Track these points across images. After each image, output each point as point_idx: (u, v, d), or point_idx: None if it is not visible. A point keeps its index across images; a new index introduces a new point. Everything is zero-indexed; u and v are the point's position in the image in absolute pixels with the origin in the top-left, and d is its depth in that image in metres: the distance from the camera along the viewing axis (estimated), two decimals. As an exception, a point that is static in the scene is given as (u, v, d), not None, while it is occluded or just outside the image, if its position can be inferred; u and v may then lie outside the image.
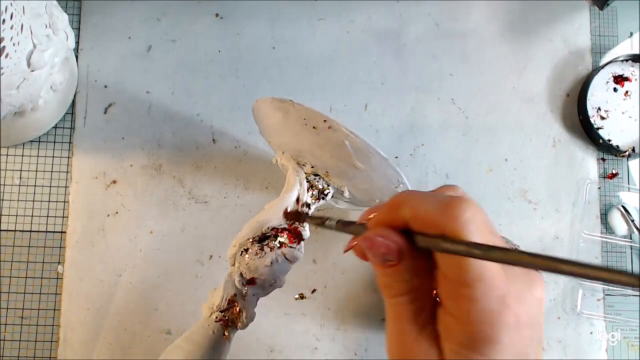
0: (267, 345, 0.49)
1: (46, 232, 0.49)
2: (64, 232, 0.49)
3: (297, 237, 0.37)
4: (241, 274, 0.36)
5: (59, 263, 0.48)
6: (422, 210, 0.21)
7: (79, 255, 0.48)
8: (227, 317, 0.36)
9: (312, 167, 0.38)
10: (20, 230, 0.48)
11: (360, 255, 0.23)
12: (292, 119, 0.35)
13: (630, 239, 0.52)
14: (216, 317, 0.36)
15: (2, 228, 0.48)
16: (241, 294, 0.37)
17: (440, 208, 0.20)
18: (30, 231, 0.49)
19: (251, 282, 0.36)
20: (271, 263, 0.36)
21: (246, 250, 0.36)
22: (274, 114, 0.36)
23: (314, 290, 0.50)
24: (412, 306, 0.21)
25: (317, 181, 0.39)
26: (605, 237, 0.52)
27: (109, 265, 0.49)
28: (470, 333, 0.20)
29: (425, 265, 0.21)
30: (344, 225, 0.28)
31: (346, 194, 0.40)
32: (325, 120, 0.34)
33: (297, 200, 0.38)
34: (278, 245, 0.36)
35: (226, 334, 0.37)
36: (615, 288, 0.51)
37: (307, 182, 0.38)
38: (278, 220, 0.37)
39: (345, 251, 0.25)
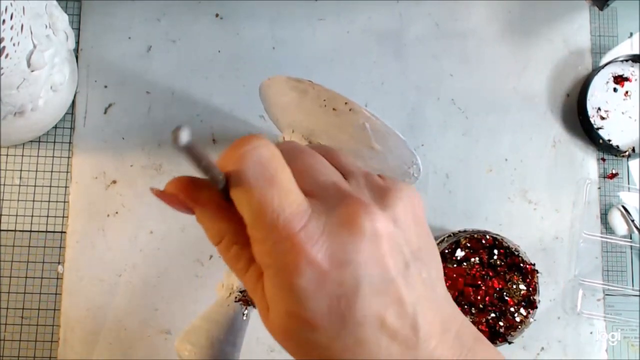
0: (267, 345, 0.49)
1: (46, 232, 0.49)
2: (64, 232, 0.49)
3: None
4: None
5: (59, 263, 0.48)
6: (220, 158, 0.20)
7: (79, 255, 0.48)
8: (246, 297, 0.37)
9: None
10: (20, 230, 0.49)
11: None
12: (310, 99, 0.36)
13: (630, 239, 0.52)
14: (236, 297, 0.37)
15: (2, 228, 0.48)
16: None
17: (227, 151, 0.19)
18: (30, 231, 0.49)
19: None
20: None
21: None
22: (288, 93, 0.36)
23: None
24: (230, 252, 0.21)
25: None
26: (605, 237, 0.52)
27: (109, 265, 0.49)
28: (271, 276, 0.19)
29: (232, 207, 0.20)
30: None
31: None
32: (346, 103, 0.35)
33: None
34: None
35: (245, 312, 0.37)
36: (615, 288, 0.51)
37: None
38: None
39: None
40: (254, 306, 0.37)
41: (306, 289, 0.18)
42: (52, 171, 0.49)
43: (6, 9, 0.33)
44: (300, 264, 0.18)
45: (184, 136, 0.16)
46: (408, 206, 0.21)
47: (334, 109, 0.35)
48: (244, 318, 0.37)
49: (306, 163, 0.21)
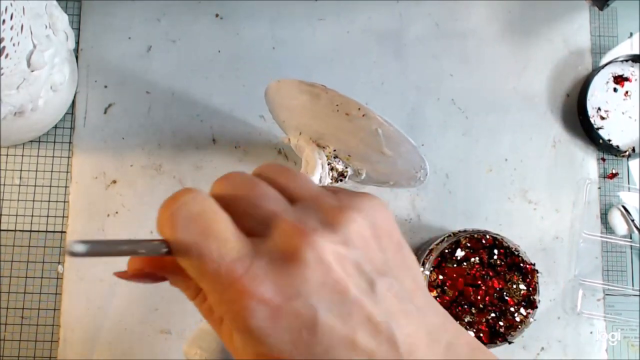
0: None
1: (46, 232, 0.49)
2: (64, 232, 0.49)
3: None
4: None
5: (59, 263, 0.48)
6: (157, 220, 0.20)
7: (79, 255, 0.48)
8: None
9: (334, 150, 0.39)
10: (20, 230, 0.49)
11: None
12: (322, 104, 0.36)
13: (630, 239, 0.52)
14: None
15: (2, 228, 0.48)
16: None
17: (159, 212, 0.20)
18: (30, 231, 0.49)
19: None
20: None
21: None
22: (299, 96, 0.36)
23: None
24: (204, 306, 0.22)
25: (337, 163, 0.39)
26: (605, 237, 0.52)
27: (109, 265, 0.49)
28: (229, 324, 0.19)
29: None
30: None
31: (363, 175, 0.40)
32: (359, 108, 0.35)
33: (319, 182, 0.38)
34: None
35: None
36: (615, 288, 0.51)
37: (327, 164, 0.39)
38: None
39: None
40: None
41: (264, 327, 0.18)
42: (52, 171, 0.49)
43: (6, 9, 0.33)
44: (250, 305, 0.18)
45: (78, 247, 0.17)
46: (364, 223, 0.20)
47: (346, 114, 0.35)
48: None
49: (246, 200, 0.20)
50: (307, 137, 0.40)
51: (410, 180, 0.42)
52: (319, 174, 0.38)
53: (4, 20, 0.33)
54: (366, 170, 0.40)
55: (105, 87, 0.51)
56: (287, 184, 0.22)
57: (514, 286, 0.45)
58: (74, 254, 0.17)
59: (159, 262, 0.20)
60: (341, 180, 0.40)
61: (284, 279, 0.18)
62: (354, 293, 0.19)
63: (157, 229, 0.20)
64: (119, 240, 0.18)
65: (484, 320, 0.45)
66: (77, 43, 0.51)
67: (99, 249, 0.18)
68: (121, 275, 0.21)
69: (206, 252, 0.18)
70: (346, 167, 0.40)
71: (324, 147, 0.39)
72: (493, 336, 0.45)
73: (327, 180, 0.39)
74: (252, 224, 0.20)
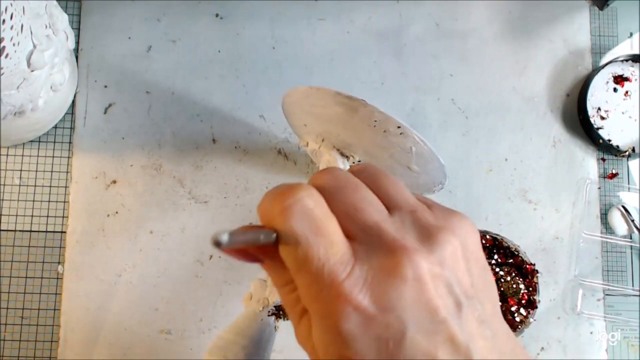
0: (267, 345, 0.49)
1: (46, 232, 0.49)
2: (64, 232, 0.49)
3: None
4: None
5: (59, 263, 0.48)
6: (262, 205, 0.21)
7: (79, 255, 0.48)
8: (280, 311, 0.37)
9: (359, 161, 0.39)
10: (20, 230, 0.49)
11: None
12: (358, 117, 0.36)
13: (630, 239, 0.52)
14: (269, 311, 0.37)
15: (2, 228, 0.48)
16: None
17: (271, 199, 0.20)
18: (30, 231, 0.49)
19: None
20: None
21: None
22: (333, 106, 0.36)
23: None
24: (290, 296, 0.22)
25: None
26: (605, 237, 0.52)
27: (109, 265, 0.49)
28: (319, 322, 0.19)
29: None
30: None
31: None
32: (399, 127, 0.35)
33: None
34: None
35: (277, 324, 0.37)
36: (615, 288, 0.51)
37: None
38: None
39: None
40: (286, 319, 0.37)
41: (354, 332, 0.18)
42: (52, 171, 0.49)
43: (6, 9, 0.33)
44: (346, 310, 0.18)
45: (224, 238, 0.17)
46: (458, 245, 0.20)
47: (384, 131, 0.36)
48: (276, 330, 0.37)
49: (348, 202, 0.21)
50: (329, 144, 0.40)
51: (424, 191, 0.43)
52: None
53: (4, 20, 0.33)
54: None
55: (105, 87, 0.51)
56: (387, 190, 0.22)
57: (514, 286, 0.45)
58: (219, 244, 0.17)
59: (262, 245, 0.21)
60: None
61: (381, 291, 0.19)
62: (443, 313, 0.19)
63: (264, 215, 0.20)
64: (244, 230, 0.19)
65: (484, 320, 0.45)
66: (77, 43, 0.51)
67: (236, 239, 0.18)
68: (227, 250, 0.21)
69: (314, 249, 0.19)
70: None
71: (347, 156, 0.40)
72: (493, 336, 0.45)
73: None
74: (352, 228, 0.20)
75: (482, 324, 0.20)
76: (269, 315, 0.37)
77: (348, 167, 0.39)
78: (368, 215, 0.20)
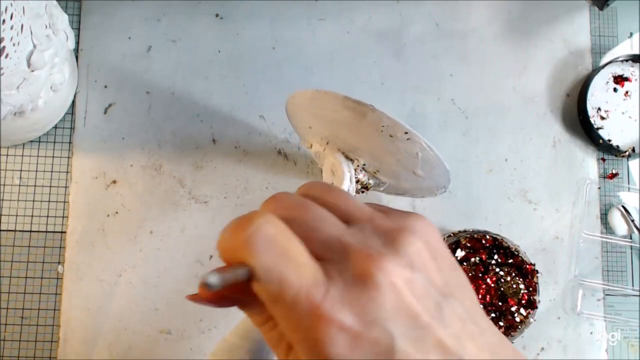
0: (267, 345, 0.49)
1: (46, 232, 0.49)
2: (64, 232, 0.49)
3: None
4: None
5: (59, 263, 0.48)
6: (222, 243, 0.20)
7: (79, 255, 0.49)
8: None
9: (364, 164, 0.39)
10: (20, 230, 0.49)
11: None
12: (366, 122, 0.36)
13: (630, 239, 0.52)
14: None
15: (2, 228, 0.48)
16: None
17: (230, 235, 0.19)
18: (30, 231, 0.49)
19: None
20: None
21: None
22: (341, 111, 0.36)
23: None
24: (272, 333, 0.21)
25: (362, 175, 0.40)
26: (605, 237, 0.52)
27: (109, 265, 0.49)
28: (305, 352, 0.18)
29: None
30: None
31: (384, 187, 0.41)
32: (406, 133, 0.35)
33: None
34: None
35: None
36: (615, 288, 0.51)
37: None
38: None
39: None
40: None
41: (343, 355, 0.18)
42: (52, 171, 0.50)
43: (6, 9, 0.33)
44: (331, 332, 0.18)
45: (213, 279, 0.17)
46: (422, 243, 0.20)
47: (390, 136, 0.36)
48: None
49: (304, 223, 0.20)
50: (335, 147, 0.40)
51: (426, 194, 0.43)
52: (347, 186, 0.38)
53: (4, 20, 0.33)
54: (389, 183, 0.41)
55: (105, 87, 0.51)
56: (338, 204, 0.22)
57: (514, 286, 0.45)
58: (210, 287, 0.17)
59: (235, 285, 0.20)
60: (363, 192, 0.41)
61: (360, 305, 0.18)
62: (424, 317, 0.18)
63: (226, 252, 0.19)
64: (222, 270, 0.18)
65: (484, 320, 0.45)
66: (77, 43, 0.51)
67: (225, 276, 0.18)
68: (196, 298, 0.21)
69: (287, 276, 0.18)
70: (369, 180, 0.40)
71: (352, 160, 0.40)
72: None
73: (353, 192, 0.39)
74: (315, 248, 0.20)
75: (465, 322, 0.20)
76: None
77: (353, 171, 0.39)
78: (328, 232, 0.20)
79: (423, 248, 0.20)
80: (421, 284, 0.19)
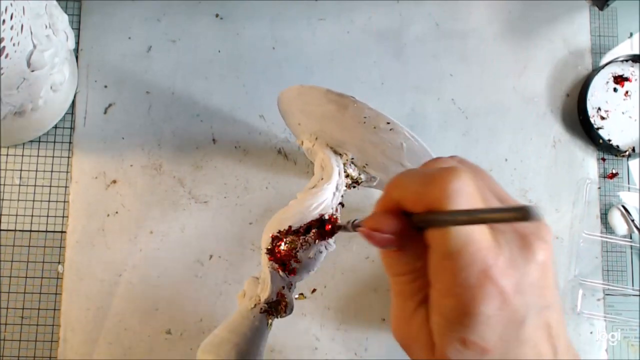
0: (267, 345, 0.49)
1: (46, 232, 0.49)
2: (64, 232, 0.49)
3: (334, 228, 0.37)
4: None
5: (59, 263, 0.48)
6: (409, 189, 0.21)
7: (79, 255, 0.49)
8: (272, 308, 0.37)
9: (352, 158, 0.39)
10: (20, 230, 0.49)
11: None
12: (349, 114, 0.36)
13: (630, 239, 0.52)
14: (262, 309, 0.37)
15: (2, 228, 0.48)
16: (288, 285, 0.37)
17: (424, 183, 0.20)
18: (30, 231, 0.49)
19: (293, 272, 0.37)
20: (314, 255, 0.37)
21: (279, 239, 0.36)
22: (325, 104, 0.36)
23: (313, 290, 0.50)
24: (411, 285, 0.22)
25: (352, 170, 0.40)
26: (605, 237, 0.52)
27: (109, 265, 0.49)
28: (452, 305, 0.20)
29: (424, 246, 0.21)
30: (356, 224, 0.30)
31: (375, 182, 0.41)
32: (388, 123, 0.35)
33: (336, 188, 0.38)
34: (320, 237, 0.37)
35: (270, 322, 0.37)
36: (615, 288, 0.51)
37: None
38: (316, 210, 0.37)
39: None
40: (278, 316, 0.37)
41: (490, 316, 0.19)
42: (52, 171, 0.50)
43: (6, 9, 0.33)
44: (492, 292, 0.19)
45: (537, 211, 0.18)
46: (551, 236, 0.22)
47: (374, 127, 0.36)
48: (268, 328, 0.37)
49: (484, 192, 0.22)
50: (323, 142, 0.40)
51: None
52: (335, 181, 0.38)
53: (4, 20, 0.33)
54: (380, 178, 0.41)
55: (105, 87, 0.51)
56: (490, 185, 0.23)
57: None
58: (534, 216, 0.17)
59: (402, 227, 0.21)
60: (354, 187, 0.41)
61: (519, 274, 0.20)
62: (549, 300, 0.21)
63: (416, 198, 0.21)
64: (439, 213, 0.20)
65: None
66: (77, 43, 0.51)
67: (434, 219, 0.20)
68: (369, 230, 0.22)
69: (474, 235, 0.19)
70: (360, 174, 0.40)
71: (341, 154, 0.40)
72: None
73: (343, 188, 0.39)
74: None
75: (559, 314, 0.22)
76: (260, 313, 0.37)
77: (342, 166, 0.39)
78: (496, 205, 0.22)
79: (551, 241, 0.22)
80: (552, 271, 0.21)
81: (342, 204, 0.39)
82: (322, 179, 0.38)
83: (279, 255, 0.36)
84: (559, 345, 0.21)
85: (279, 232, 0.36)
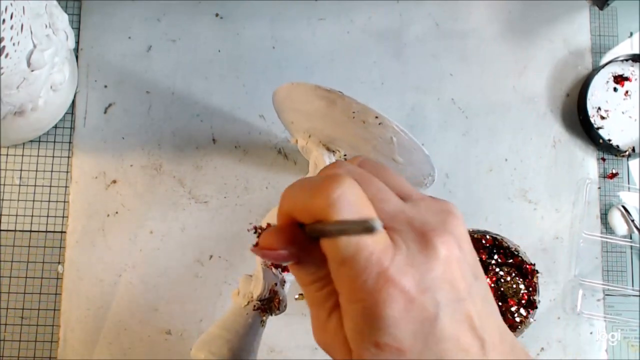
0: (267, 345, 0.49)
1: (46, 232, 0.49)
2: (64, 232, 0.49)
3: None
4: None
5: (59, 263, 0.48)
6: (297, 200, 0.21)
7: (79, 255, 0.48)
8: (265, 306, 0.37)
9: (345, 155, 0.39)
10: (20, 230, 0.49)
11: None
12: (338, 110, 0.36)
13: (630, 239, 0.52)
14: (255, 306, 0.37)
15: (2, 228, 0.48)
16: (281, 282, 0.37)
17: (310, 194, 0.20)
18: (30, 231, 0.49)
19: (286, 269, 0.37)
20: None
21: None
22: (314, 101, 0.36)
23: (314, 290, 0.50)
24: (320, 293, 0.22)
25: None
26: (605, 237, 0.52)
27: (109, 265, 0.49)
28: (359, 311, 0.20)
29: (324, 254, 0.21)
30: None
31: None
32: (377, 117, 0.35)
33: None
34: None
35: (263, 319, 0.37)
36: (615, 288, 0.51)
37: None
38: None
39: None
40: (272, 314, 0.37)
41: (396, 317, 0.19)
42: (52, 171, 0.49)
43: (6, 9, 0.33)
44: (393, 294, 0.19)
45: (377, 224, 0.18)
46: (464, 227, 0.22)
47: (362, 122, 0.36)
48: (262, 325, 0.37)
49: (372, 193, 0.21)
50: (316, 140, 0.40)
51: (415, 185, 0.42)
52: None
53: (4, 20, 0.33)
54: None
55: (105, 87, 0.51)
56: (395, 182, 0.23)
57: (514, 286, 0.45)
58: (373, 230, 0.18)
59: (295, 240, 0.21)
60: None
61: (420, 272, 0.20)
62: (463, 292, 0.20)
63: (302, 210, 0.20)
64: (348, 222, 0.20)
65: (484, 320, 0.45)
66: (77, 43, 0.51)
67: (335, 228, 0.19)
68: (259, 251, 0.22)
69: (364, 239, 0.19)
70: None
71: (333, 151, 0.40)
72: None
73: None
74: (382, 218, 0.21)
75: (485, 302, 0.21)
76: (254, 310, 0.37)
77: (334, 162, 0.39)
78: (392, 205, 0.21)
79: (465, 231, 0.22)
80: (464, 262, 0.21)
81: None
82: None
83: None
84: (487, 337, 0.21)
85: (267, 224, 0.36)
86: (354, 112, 0.35)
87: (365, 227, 0.18)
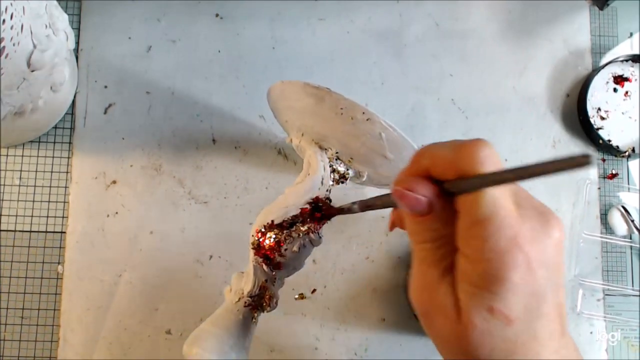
0: (267, 345, 0.49)
1: (46, 232, 0.49)
2: (64, 232, 0.49)
3: (320, 223, 0.37)
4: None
5: (59, 263, 0.48)
6: (439, 155, 0.21)
7: (79, 255, 0.48)
8: (255, 302, 0.37)
9: (337, 152, 0.39)
10: (20, 230, 0.49)
11: (399, 223, 0.25)
12: (326, 107, 0.36)
13: (630, 239, 0.52)
14: (245, 302, 0.37)
15: (2, 228, 0.48)
16: (271, 279, 0.37)
17: (455, 150, 0.21)
18: (30, 231, 0.49)
19: (278, 266, 0.37)
20: (299, 249, 0.36)
21: (264, 234, 0.37)
22: (303, 98, 0.37)
23: (314, 290, 0.50)
24: (437, 252, 0.22)
25: (339, 165, 0.39)
26: (605, 237, 0.52)
27: (109, 265, 0.49)
28: (481, 272, 0.20)
29: (452, 213, 0.22)
30: (366, 204, 0.29)
31: (364, 178, 0.41)
32: (364, 113, 0.35)
33: (321, 183, 0.38)
34: (305, 230, 0.37)
35: (255, 316, 0.37)
36: (614, 288, 0.51)
37: (329, 166, 0.39)
38: (300, 205, 0.37)
39: (391, 228, 0.26)
40: (263, 311, 0.37)
41: (516, 284, 0.20)
42: (52, 171, 0.49)
43: (6, 9, 0.33)
44: (519, 259, 0.20)
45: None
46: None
47: (351, 118, 0.36)
48: (253, 322, 0.37)
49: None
50: (309, 138, 0.40)
51: None
52: (320, 176, 0.38)
53: (4, 20, 0.33)
54: (367, 173, 0.40)
55: (105, 87, 0.51)
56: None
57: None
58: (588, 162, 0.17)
59: (433, 192, 0.22)
60: (342, 182, 0.41)
61: (541, 244, 0.20)
62: (561, 279, 0.21)
63: (448, 164, 0.21)
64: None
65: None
66: (77, 43, 0.51)
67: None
68: (396, 191, 0.22)
69: (502, 200, 0.20)
70: (347, 169, 0.40)
71: (326, 149, 0.40)
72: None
73: (329, 182, 0.39)
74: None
75: (563, 292, 0.22)
76: (245, 307, 0.37)
77: (327, 161, 0.39)
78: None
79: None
80: (563, 252, 0.22)
81: (329, 199, 0.39)
82: (308, 174, 0.39)
83: (262, 251, 0.36)
84: (565, 327, 0.22)
85: (264, 227, 0.36)
86: (341, 109, 0.36)
87: (579, 161, 0.17)
